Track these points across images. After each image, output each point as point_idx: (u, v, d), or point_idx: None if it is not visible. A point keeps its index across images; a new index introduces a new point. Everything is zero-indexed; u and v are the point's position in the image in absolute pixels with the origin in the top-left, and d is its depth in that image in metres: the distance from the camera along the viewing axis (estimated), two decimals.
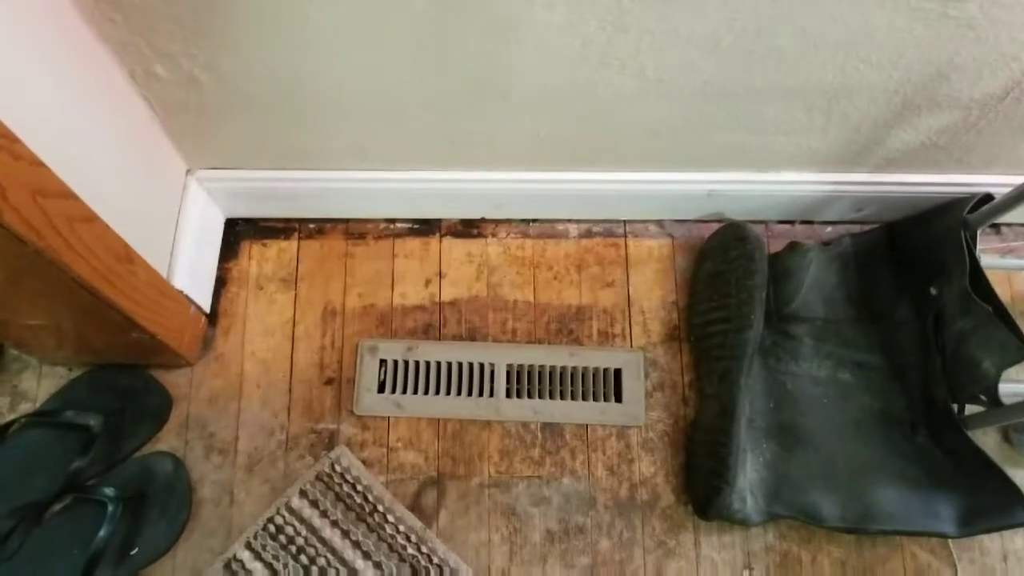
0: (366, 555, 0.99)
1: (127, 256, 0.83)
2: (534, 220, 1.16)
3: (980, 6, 0.71)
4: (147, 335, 0.90)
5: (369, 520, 1.01)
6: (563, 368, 1.08)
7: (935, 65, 0.80)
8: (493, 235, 1.15)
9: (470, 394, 1.07)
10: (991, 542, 1.02)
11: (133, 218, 0.86)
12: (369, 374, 1.07)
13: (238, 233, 1.14)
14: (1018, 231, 1.16)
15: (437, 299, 1.12)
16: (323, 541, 0.99)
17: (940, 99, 0.86)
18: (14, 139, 0.61)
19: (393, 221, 1.15)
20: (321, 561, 0.98)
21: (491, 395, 1.07)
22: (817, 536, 1.02)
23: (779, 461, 1.00)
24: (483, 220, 1.15)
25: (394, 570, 0.98)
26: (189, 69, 0.81)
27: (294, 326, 1.10)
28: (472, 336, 1.10)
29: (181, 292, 0.98)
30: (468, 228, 1.15)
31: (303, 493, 1.01)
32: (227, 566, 0.98)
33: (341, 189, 1.06)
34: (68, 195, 0.71)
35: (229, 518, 1.01)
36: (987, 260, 1.00)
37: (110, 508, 0.94)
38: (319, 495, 1.01)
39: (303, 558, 0.99)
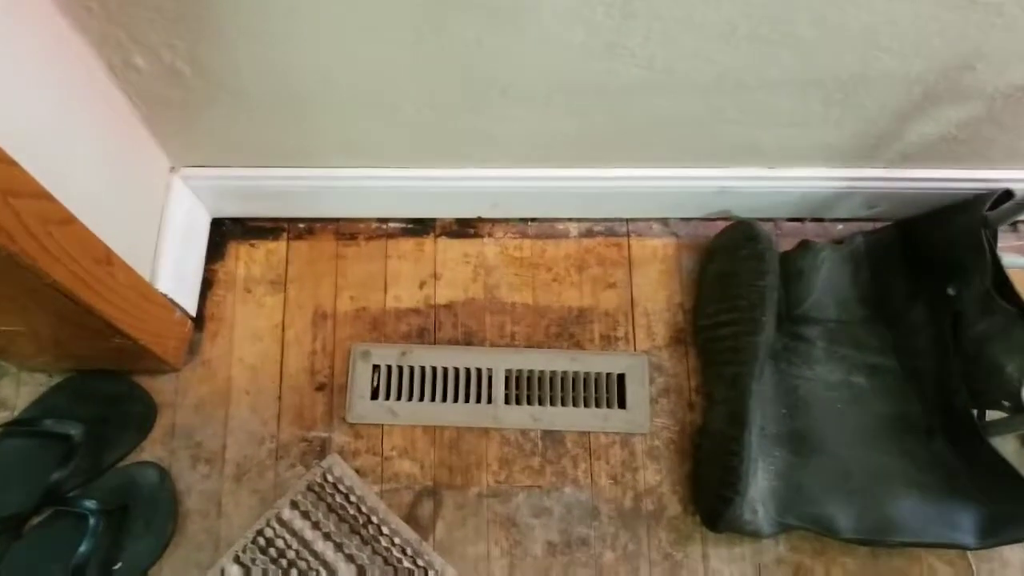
0: (360, 569, 0.95)
1: (107, 259, 0.78)
2: (533, 219, 1.11)
3: None
4: (129, 341, 0.86)
5: (363, 532, 0.96)
6: (564, 373, 1.04)
7: (960, 54, 0.76)
8: (490, 235, 1.11)
9: (467, 401, 1.03)
10: (1012, 553, 0.99)
11: (113, 219, 0.82)
12: (362, 380, 1.03)
13: (224, 234, 1.09)
14: None
15: (432, 302, 1.07)
16: (315, 554, 0.95)
17: (963, 89, 0.82)
18: None
19: (386, 221, 1.11)
20: (313, 575, 0.94)
21: (489, 402, 1.02)
22: (830, 547, 0.98)
23: (791, 470, 0.96)
24: (479, 219, 1.11)
25: None
26: (171, 61, 0.76)
27: (283, 330, 1.05)
28: (469, 340, 1.06)
29: (165, 296, 0.94)
30: (464, 228, 1.11)
31: (294, 504, 0.97)
32: None
33: (332, 187, 1.01)
34: (42, 196, 0.66)
35: (217, 531, 0.97)
36: (1007, 260, 0.96)
37: (92, 521, 0.89)
38: (310, 506, 0.97)
39: (294, 572, 0.94)
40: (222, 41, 0.73)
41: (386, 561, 0.95)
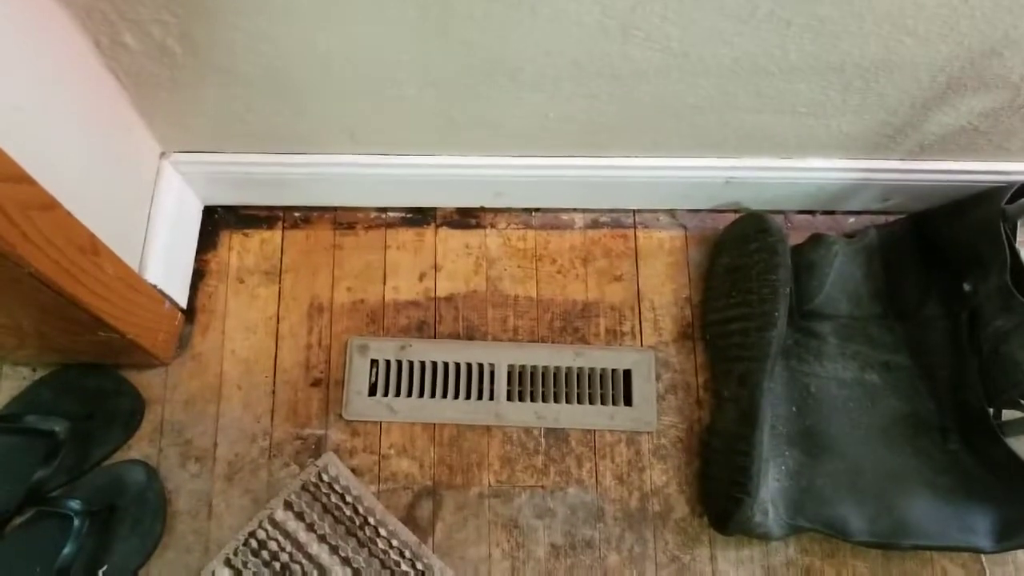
0: (356, 572, 0.91)
1: (92, 247, 0.74)
2: (536, 209, 1.08)
3: None
4: (116, 334, 0.82)
5: (359, 534, 0.93)
6: (568, 369, 1.00)
7: (988, 39, 0.73)
8: (492, 225, 1.07)
9: (468, 397, 0.99)
10: None
11: (100, 206, 0.78)
12: (359, 375, 0.99)
13: (217, 222, 1.05)
14: None
15: (432, 294, 1.04)
16: (309, 557, 0.92)
17: (988, 78, 0.78)
18: None
19: (385, 210, 1.07)
20: None
21: (491, 398, 0.99)
22: (841, 550, 0.95)
23: (802, 470, 0.93)
24: (482, 209, 1.07)
25: None
26: (161, 38, 0.72)
27: (278, 323, 1.02)
28: (470, 334, 1.02)
29: (154, 286, 0.90)
30: (466, 218, 1.07)
31: (288, 504, 0.93)
32: None
33: (329, 174, 0.97)
34: (23, 179, 0.62)
35: (207, 532, 0.93)
36: None
37: (76, 522, 0.85)
38: (305, 507, 0.93)
39: (287, 575, 0.91)
40: (216, 17, 0.69)
41: (383, 564, 0.92)
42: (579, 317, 1.03)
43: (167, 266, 0.93)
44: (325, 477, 0.94)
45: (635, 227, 1.07)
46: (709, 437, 0.97)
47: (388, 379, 0.99)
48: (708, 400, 1.00)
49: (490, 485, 0.96)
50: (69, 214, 0.69)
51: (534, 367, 1.00)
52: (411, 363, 1.00)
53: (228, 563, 0.91)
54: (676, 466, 0.98)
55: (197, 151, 0.94)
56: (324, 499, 0.94)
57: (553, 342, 1.02)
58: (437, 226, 1.07)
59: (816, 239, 0.98)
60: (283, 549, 0.92)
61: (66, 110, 0.73)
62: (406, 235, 1.06)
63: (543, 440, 0.98)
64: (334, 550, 0.92)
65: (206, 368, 0.99)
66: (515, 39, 0.72)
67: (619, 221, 1.07)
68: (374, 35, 0.72)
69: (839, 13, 0.69)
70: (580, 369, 1.00)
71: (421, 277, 1.04)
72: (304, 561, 0.91)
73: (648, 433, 0.99)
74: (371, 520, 0.93)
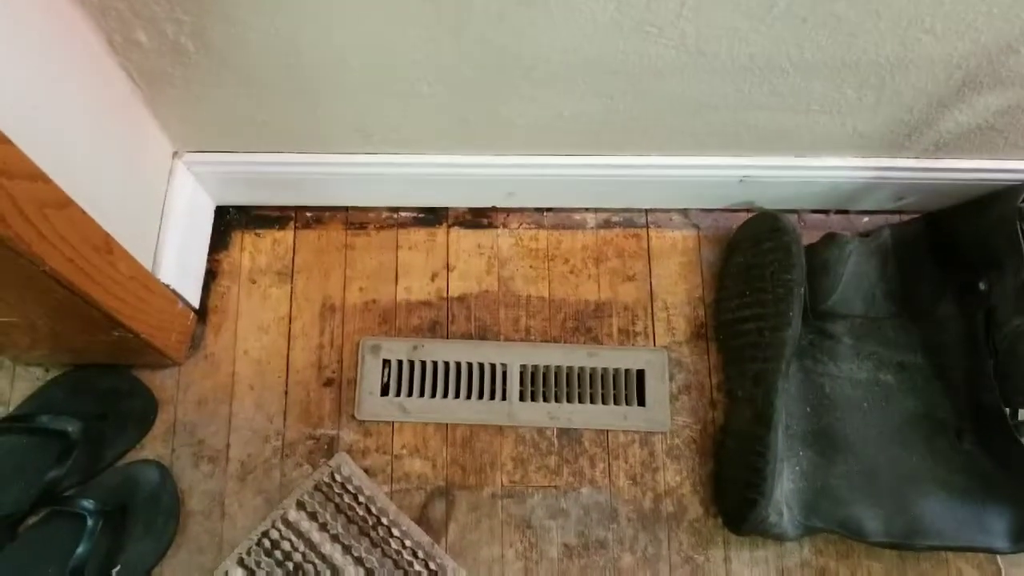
0: (369, 572, 0.91)
1: (106, 246, 0.74)
2: (549, 209, 1.07)
3: None
4: (130, 333, 0.82)
5: (372, 534, 0.92)
6: (581, 369, 1.00)
7: (1005, 36, 0.72)
8: (504, 225, 1.07)
9: (481, 397, 0.99)
10: None
11: (113, 205, 0.78)
12: (371, 375, 0.99)
13: (229, 222, 1.05)
14: None
15: (444, 294, 1.03)
16: (322, 557, 0.91)
17: (1005, 75, 0.78)
18: None
19: (397, 210, 1.07)
20: None
21: (503, 398, 0.99)
22: (856, 551, 0.95)
23: (817, 470, 0.92)
24: (494, 209, 1.07)
25: None
26: (175, 36, 0.72)
27: (290, 323, 1.01)
28: (482, 334, 1.02)
29: (167, 286, 0.90)
30: (478, 218, 1.07)
31: (300, 504, 0.93)
32: None
33: (342, 174, 0.97)
34: (38, 177, 0.62)
35: (220, 532, 0.93)
36: None
37: (90, 522, 0.85)
38: (318, 507, 0.93)
39: (300, 575, 0.90)
40: (230, 15, 0.69)
41: (396, 564, 0.91)
42: (592, 317, 1.02)
43: (180, 266, 0.93)
44: (338, 477, 0.94)
45: (648, 227, 1.06)
46: (723, 437, 0.97)
47: (400, 379, 0.99)
48: (722, 400, 0.99)
49: (503, 485, 0.96)
50: (84, 212, 0.69)
51: (547, 367, 1.00)
52: (423, 363, 1.00)
53: (241, 563, 0.91)
54: (690, 467, 0.97)
55: (209, 150, 0.94)
56: (337, 499, 0.93)
57: (566, 342, 1.01)
58: (449, 226, 1.06)
59: (830, 238, 0.98)
60: (296, 549, 0.91)
61: (80, 109, 0.73)
62: (418, 235, 1.06)
63: (556, 440, 0.98)
64: (347, 550, 0.92)
65: (218, 368, 0.99)
66: (529, 37, 0.72)
67: (631, 221, 1.07)
68: (388, 33, 0.72)
69: (855, 10, 0.68)
70: (593, 369, 1.00)
71: (433, 277, 1.04)
72: (317, 561, 0.91)
73: (662, 433, 0.98)
74: (384, 520, 0.93)
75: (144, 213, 0.88)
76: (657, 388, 0.99)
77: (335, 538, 0.92)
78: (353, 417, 0.97)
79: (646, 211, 1.07)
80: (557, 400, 0.99)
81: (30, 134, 0.60)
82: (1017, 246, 0.88)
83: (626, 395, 0.99)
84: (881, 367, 0.97)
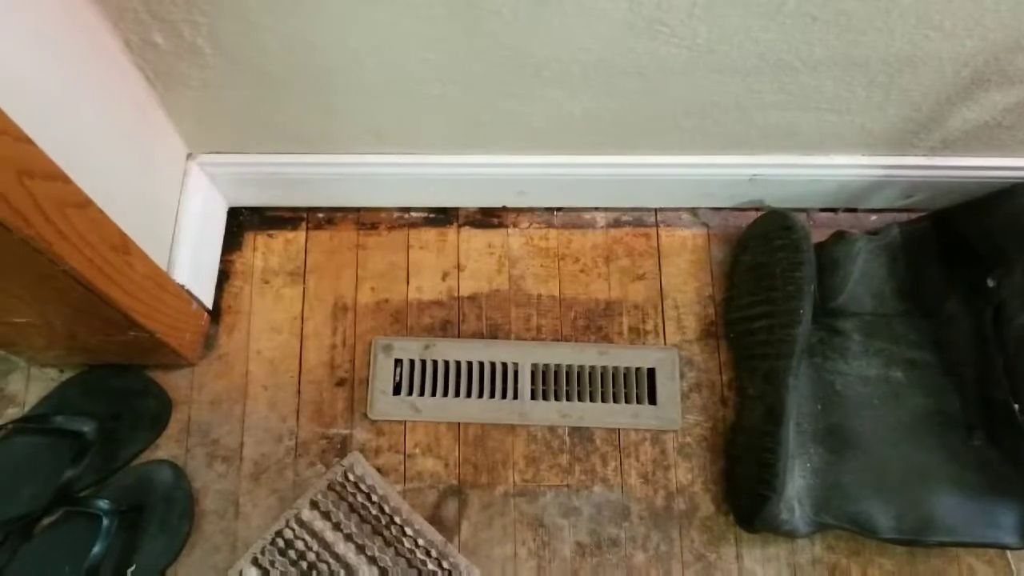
0: (383, 571, 0.91)
1: (124, 247, 0.75)
2: (559, 208, 1.08)
3: None
4: (146, 333, 0.82)
5: (385, 533, 0.93)
6: (592, 368, 1.00)
7: (1013, 33, 0.72)
8: (515, 225, 1.07)
9: (492, 396, 0.99)
10: None
11: (129, 205, 0.79)
12: (384, 375, 1.00)
13: (242, 223, 1.06)
14: None
15: (455, 293, 1.04)
16: (336, 556, 0.92)
17: (1012, 72, 0.78)
18: None
19: (408, 210, 1.07)
20: None
21: (515, 397, 0.99)
22: (867, 547, 0.95)
23: (828, 467, 0.92)
24: (504, 208, 1.08)
25: None
26: (192, 38, 0.73)
27: (303, 323, 1.02)
28: (494, 333, 1.02)
29: (182, 287, 0.90)
30: (488, 217, 1.08)
31: (314, 504, 0.94)
32: None
33: (354, 175, 0.98)
34: (58, 177, 0.63)
35: (234, 531, 0.94)
36: None
37: (105, 522, 0.86)
38: (331, 506, 0.94)
39: (314, 574, 0.91)
40: (246, 17, 0.70)
41: (410, 563, 0.92)
42: (602, 316, 1.03)
43: (194, 266, 0.93)
44: (351, 476, 0.95)
45: (657, 226, 1.07)
46: (734, 435, 0.97)
47: (412, 378, 1.00)
48: (733, 398, 1.00)
49: (515, 484, 0.96)
50: (102, 212, 0.70)
51: (558, 366, 1.00)
52: (435, 362, 1.00)
53: (255, 562, 0.91)
54: (701, 464, 0.98)
55: (223, 152, 0.94)
56: (350, 498, 0.94)
57: (576, 341, 1.02)
58: (460, 226, 1.07)
59: (839, 236, 0.98)
60: (310, 548, 0.92)
61: (98, 110, 0.74)
62: (429, 235, 1.06)
63: (568, 439, 0.98)
64: (360, 549, 0.92)
65: (232, 368, 0.99)
66: (542, 36, 0.73)
67: (641, 220, 1.07)
68: (402, 34, 0.73)
69: (864, 8, 0.69)
70: (604, 368, 1.00)
71: (444, 277, 1.05)
72: (331, 560, 0.92)
73: (673, 432, 0.99)
74: (397, 519, 0.93)
75: (159, 214, 0.89)
76: (668, 386, 0.99)
77: (348, 537, 0.93)
78: (365, 416, 0.98)
79: (656, 210, 1.07)
80: (568, 399, 0.99)
81: (50, 134, 0.61)
82: None
83: (637, 393, 0.99)
84: (891, 364, 0.97)
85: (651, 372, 1.00)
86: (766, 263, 0.97)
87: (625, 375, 1.00)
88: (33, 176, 0.58)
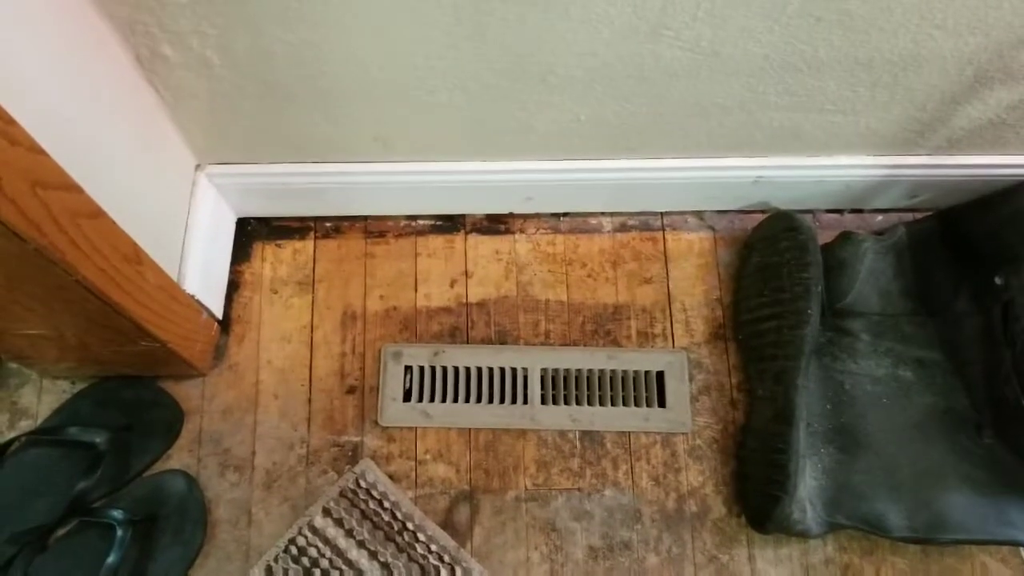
0: None
1: (135, 257, 0.75)
2: (565, 214, 1.08)
3: None
4: (157, 344, 0.83)
5: (398, 539, 0.93)
6: (601, 372, 1.01)
7: (1017, 30, 0.73)
8: (521, 231, 1.08)
9: (502, 401, 0.99)
10: None
11: (140, 217, 0.79)
12: (393, 382, 1.00)
13: (250, 234, 1.07)
14: None
15: (464, 300, 1.04)
16: (349, 563, 0.92)
17: (1016, 69, 0.79)
18: (10, 121, 0.54)
19: (415, 218, 1.08)
20: None
21: (525, 402, 0.99)
22: (880, 547, 0.95)
23: (839, 467, 0.92)
24: (511, 215, 1.08)
25: None
26: (200, 50, 0.73)
27: (312, 332, 1.02)
28: (502, 339, 1.03)
29: (192, 297, 0.91)
30: (495, 224, 1.08)
31: (326, 511, 0.94)
32: None
33: (361, 183, 0.98)
34: (71, 187, 0.64)
35: (247, 540, 0.94)
36: None
37: (119, 532, 0.86)
38: (344, 513, 0.94)
39: None
40: (255, 27, 0.71)
41: (423, 569, 0.92)
42: (610, 320, 1.03)
43: (204, 277, 0.94)
44: (363, 483, 0.95)
45: (663, 229, 1.07)
46: (745, 437, 0.97)
47: (422, 385, 1.00)
48: (742, 400, 1.00)
49: (527, 488, 0.96)
50: (114, 223, 0.70)
51: (567, 370, 1.01)
52: (444, 369, 1.01)
53: (269, 570, 0.91)
54: (712, 467, 0.98)
55: (231, 163, 0.95)
56: (362, 505, 0.94)
57: (585, 345, 1.02)
58: (467, 233, 1.08)
59: (845, 237, 0.99)
60: (323, 555, 0.92)
61: (109, 122, 0.74)
62: (436, 242, 1.07)
63: (578, 443, 0.98)
64: (373, 555, 0.92)
65: (242, 378, 1.00)
66: (547, 41, 0.73)
67: (647, 224, 1.08)
68: (411, 41, 0.73)
69: (867, 8, 0.70)
70: (613, 372, 1.00)
71: (452, 283, 1.05)
72: (344, 567, 0.92)
73: (683, 434, 0.99)
74: (409, 525, 0.93)
75: (168, 224, 0.89)
76: (677, 389, 1.00)
77: (361, 544, 0.93)
78: (376, 424, 0.98)
79: (662, 214, 1.08)
80: (578, 403, 0.99)
81: (63, 146, 0.61)
82: None
83: (647, 397, 1.00)
84: (899, 363, 0.97)
85: (660, 375, 1.00)
86: (773, 264, 0.98)
87: (634, 378, 1.00)
88: (46, 187, 0.59)
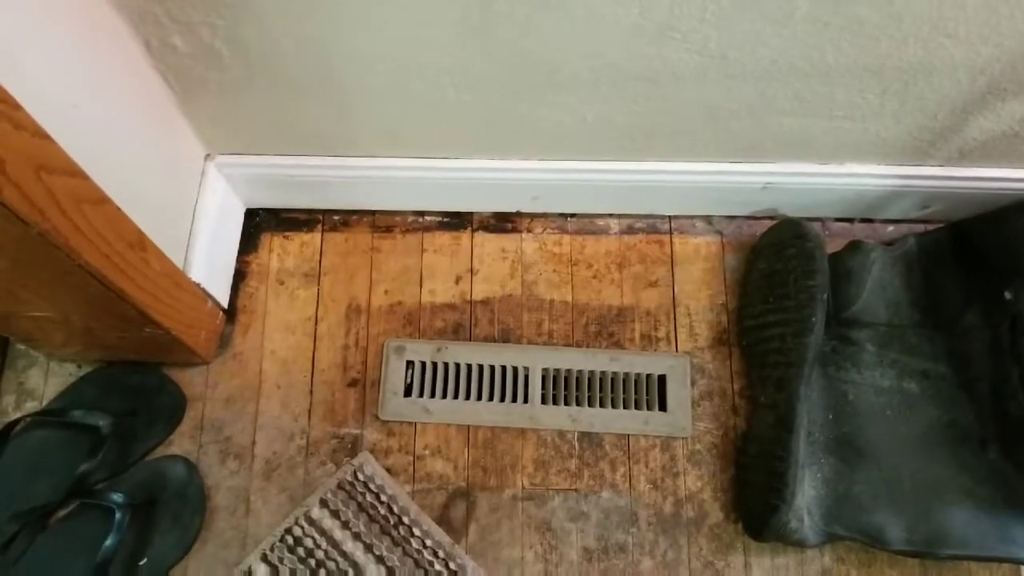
0: (390, 571, 0.92)
1: (140, 243, 0.76)
2: (572, 215, 1.08)
3: None
4: (161, 330, 0.84)
5: (394, 533, 0.93)
6: (603, 373, 1.00)
7: None
8: (528, 230, 1.08)
9: (503, 400, 1.00)
10: None
11: (147, 204, 0.80)
12: (395, 376, 1.00)
13: (258, 224, 1.07)
14: None
15: (468, 297, 1.05)
16: (344, 555, 0.92)
17: None
18: (16, 106, 0.55)
19: (422, 214, 1.08)
20: None
21: (525, 401, 0.99)
22: (878, 560, 0.94)
23: (839, 477, 0.92)
24: (518, 214, 1.08)
25: None
26: (210, 41, 0.74)
27: (316, 324, 1.03)
28: (505, 337, 1.03)
29: (198, 285, 0.92)
30: (502, 222, 1.08)
31: (323, 502, 0.94)
32: None
33: (369, 178, 0.99)
34: (76, 173, 0.64)
35: (244, 528, 0.95)
36: None
37: (118, 515, 0.88)
38: (341, 505, 0.94)
39: (322, 572, 0.92)
40: (264, 20, 0.71)
41: (417, 563, 0.92)
42: (614, 322, 1.03)
43: (210, 266, 0.95)
44: (361, 476, 0.95)
45: (671, 233, 1.07)
46: (745, 443, 0.97)
47: (424, 380, 1.00)
48: (744, 406, 0.99)
49: (524, 488, 0.97)
50: (119, 209, 0.71)
51: (568, 371, 1.00)
52: (446, 365, 1.01)
53: (265, 559, 0.92)
54: (711, 472, 0.97)
55: (241, 153, 0.96)
56: (359, 498, 0.95)
57: (588, 346, 1.02)
58: (474, 230, 1.08)
59: (854, 246, 0.98)
60: (319, 546, 0.93)
61: (117, 110, 0.75)
62: (443, 239, 1.07)
63: (577, 444, 0.98)
64: (368, 548, 0.93)
65: (246, 367, 1.01)
66: (553, 40, 0.73)
67: (655, 227, 1.07)
68: (419, 37, 0.73)
69: (877, 14, 0.69)
70: (615, 374, 1.00)
71: (457, 280, 1.05)
72: (339, 559, 0.92)
73: (683, 439, 0.98)
74: (405, 520, 0.94)
75: (176, 213, 0.90)
76: (679, 393, 0.99)
77: (357, 536, 0.93)
78: (376, 417, 0.99)
79: (669, 217, 1.08)
80: (579, 404, 0.99)
81: (69, 133, 0.62)
82: None
83: (648, 400, 0.99)
84: (904, 375, 0.96)
85: (662, 379, 1.00)
86: (779, 271, 0.97)
87: (636, 381, 1.00)
88: (51, 171, 0.59)
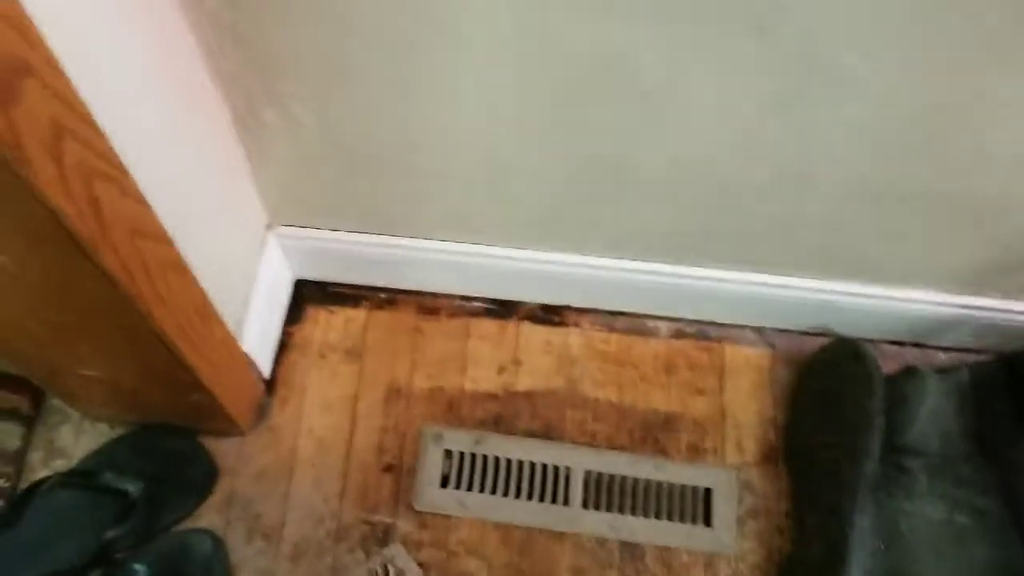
0: None
1: (206, 312, 0.75)
2: (621, 313, 1.07)
3: None
4: (209, 397, 0.82)
5: None
6: (647, 481, 0.98)
7: None
8: (576, 325, 1.07)
9: (542, 499, 0.97)
10: None
11: (211, 271, 0.78)
12: (432, 465, 0.98)
13: (304, 296, 1.06)
14: None
15: (511, 389, 1.03)
16: None
17: None
18: (124, 172, 0.54)
19: (469, 299, 1.07)
20: None
21: (565, 503, 0.96)
22: None
23: None
24: (566, 308, 1.07)
25: None
26: (300, 114, 0.74)
27: (355, 403, 1.01)
28: (547, 434, 1.00)
29: (247, 355, 0.90)
30: (549, 315, 1.07)
31: None
32: None
33: (422, 259, 0.98)
34: (164, 240, 0.64)
35: None
36: None
37: None
38: None
39: None
40: (356, 96, 0.71)
41: None
42: (660, 428, 1.01)
43: (259, 336, 0.93)
44: (391, 569, 0.92)
45: (721, 341, 1.06)
46: (791, 567, 0.93)
47: (461, 472, 0.97)
48: (789, 528, 0.96)
49: None
50: (195, 278, 0.70)
51: (612, 475, 0.98)
52: (485, 457, 0.98)
53: None
54: None
55: (300, 226, 0.95)
56: None
57: (632, 451, 1.00)
58: (520, 320, 1.07)
59: (910, 372, 0.96)
60: None
61: (196, 176, 0.75)
62: (488, 326, 1.06)
63: (617, 553, 0.95)
64: None
65: (281, 442, 0.98)
66: (636, 145, 0.74)
67: (704, 333, 1.06)
68: (503, 130, 0.74)
69: (970, 153, 0.70)
70: (659, 483, 0.97)
71: (500, 370, 1.04)
72: None
73: (726, 557, 0.95)
74: None
75: (235, 281, 0.89)
76: (725, 509, 0.96)
77: None
78: (411, 507, 0.96)
79: (720, 325, 1.06)
80: (621, 511, 0.96)
81: (161, 200, 0.61)
82: None
83: (692, 513, 0.96)
84: (956, 509, 0.94)
85: (708, 492, 0.97)
86: (834, 392, 0.96)
87: (681, 492, 0.97)
88: (144, 236, 0.59)
